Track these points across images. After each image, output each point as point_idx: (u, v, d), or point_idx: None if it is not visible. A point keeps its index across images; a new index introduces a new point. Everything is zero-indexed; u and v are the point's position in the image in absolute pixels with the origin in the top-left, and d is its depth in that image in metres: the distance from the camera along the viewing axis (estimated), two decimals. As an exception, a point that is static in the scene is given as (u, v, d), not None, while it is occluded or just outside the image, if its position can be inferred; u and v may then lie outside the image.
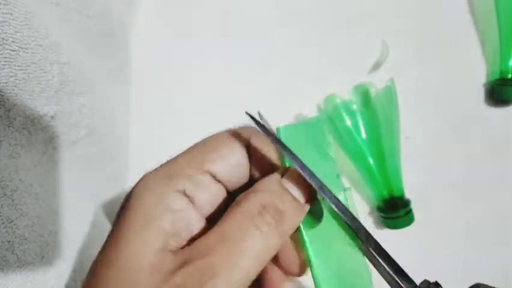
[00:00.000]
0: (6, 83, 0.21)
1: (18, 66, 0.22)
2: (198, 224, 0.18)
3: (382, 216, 0.41)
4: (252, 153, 0.19)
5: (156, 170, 0.18)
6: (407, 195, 0.41)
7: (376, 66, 0.45)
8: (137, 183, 0.18)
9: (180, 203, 0.17)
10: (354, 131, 0.41)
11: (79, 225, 0.28)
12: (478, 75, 0.45)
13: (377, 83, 0.40)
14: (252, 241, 0.16)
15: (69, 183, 0.28)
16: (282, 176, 0.18)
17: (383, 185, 0.40)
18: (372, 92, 0.40)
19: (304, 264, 0.19)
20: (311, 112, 0.44)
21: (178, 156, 0.19)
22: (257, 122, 0.19)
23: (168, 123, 0.46)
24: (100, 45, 0.34)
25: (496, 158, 0.43)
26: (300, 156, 0.18)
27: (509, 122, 0.44)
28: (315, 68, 0.46)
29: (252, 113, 0.20)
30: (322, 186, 0.18)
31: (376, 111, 0.40)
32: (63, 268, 0.25)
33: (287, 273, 0.20)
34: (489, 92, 0.44)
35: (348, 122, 0.40)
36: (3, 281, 0.21)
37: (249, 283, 0.16)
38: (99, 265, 0.17)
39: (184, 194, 0.17)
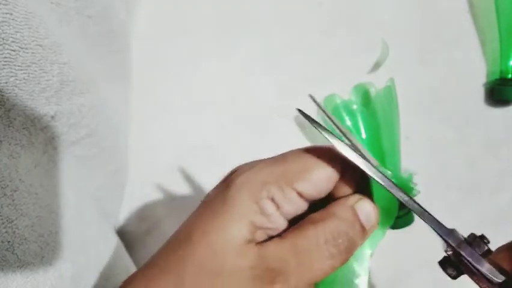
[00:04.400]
0: (6, 83, 0.21)
1: (18, 66, 0.22)
2: (282, 227, 0.20)
3: (382, 216, 0.41)
4: (343, 171, 0.21)
5: (254, 171, 0.21)
6: (407, 195, 0.41)
7: (376, 66, 0.45)
8: (237, 177, 0.21)
9: (270, 208, 0.20)
10: (354, 131, 0.41)
11: (79, 225, 0.28)
12: (478, 75, 0.45)
13: (377, 83, 0.41)
14: (322, 262, 0.19)
15: (69, 183, 0.28)
16: (358, 198, 0.21)
17: (382, 185, 0.41)
18: (372, 92, 0.40)
19: None
20: (311, 112, 0.44)
21: (273, 164, 0.21)
22: (320, 107, 0.22)
23: (168, 123, 0.46)
24: (100, 45, 0.34)
25: (496, 158, 0.43)
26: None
27: (509, 122, 0.44)
28: (315, 68, 0.46)
29: (314, 97, 0.22)
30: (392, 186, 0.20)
31: (376, 111, 0.40)
32: (63, 268, 0.25)
33: None
34: (489, 92, 0.44)
35: (348, 122, 0.41)
36: (3, 280, 0.21)
37: None
38: (182, 238, 0.20)
39: (273, 200, 0.20)
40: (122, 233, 0.44)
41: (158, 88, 0.47)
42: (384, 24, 0.46)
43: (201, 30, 0.48)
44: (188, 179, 0.45)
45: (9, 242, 0.21)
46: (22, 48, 0.22)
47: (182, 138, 0.46)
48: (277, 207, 0.20)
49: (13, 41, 0.21)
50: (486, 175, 0.43)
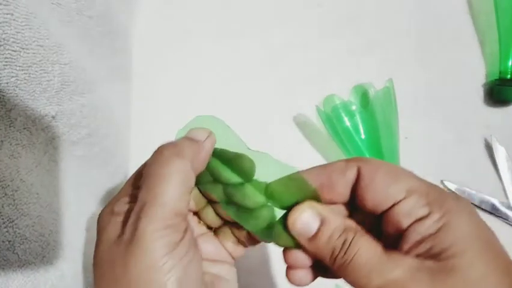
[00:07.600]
0: (7, 83, 0.21)
1: (20, 66, 0.22)
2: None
3: (381, 216, 0.41)
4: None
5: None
6: (406, 195, 0.41)
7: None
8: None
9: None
10: (353, 131, 0.41)
11: (79, 224, 0.28)
12: (477, 76, 0.45)
13: (376, 83, 0.41)
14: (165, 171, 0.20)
15: (70, 183, 0.28)
16: None
17: (382, 185, 0.41)
18: (371, 92, 0.41)
19: None
20: (310, 113, 0.44)
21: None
22: None
23: (168, 122, 0.46)
24: (100, 45, 0.34)
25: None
26: None
27: (508, 122, 0.44)
28: (314, 69, 0.46)
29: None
30: None
31: (375, 112, 0.40)
32: (64, 267, 0.25)
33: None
34: (488, 92, 0.44)
35: (348, 123, 0.41)
36: (4, 280, 0.21)
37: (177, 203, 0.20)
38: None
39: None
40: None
41: (159, 88, 0.47)
42: (384, 24, 0.47)
43: (200, 30, 0.48)
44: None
45: (10, 241, 0.21)
46: (23, 48, 0.22)
47: (182, 139, 0.46)
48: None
49: (14, 42, 0.21)
50: (485, 175, 0.43)
